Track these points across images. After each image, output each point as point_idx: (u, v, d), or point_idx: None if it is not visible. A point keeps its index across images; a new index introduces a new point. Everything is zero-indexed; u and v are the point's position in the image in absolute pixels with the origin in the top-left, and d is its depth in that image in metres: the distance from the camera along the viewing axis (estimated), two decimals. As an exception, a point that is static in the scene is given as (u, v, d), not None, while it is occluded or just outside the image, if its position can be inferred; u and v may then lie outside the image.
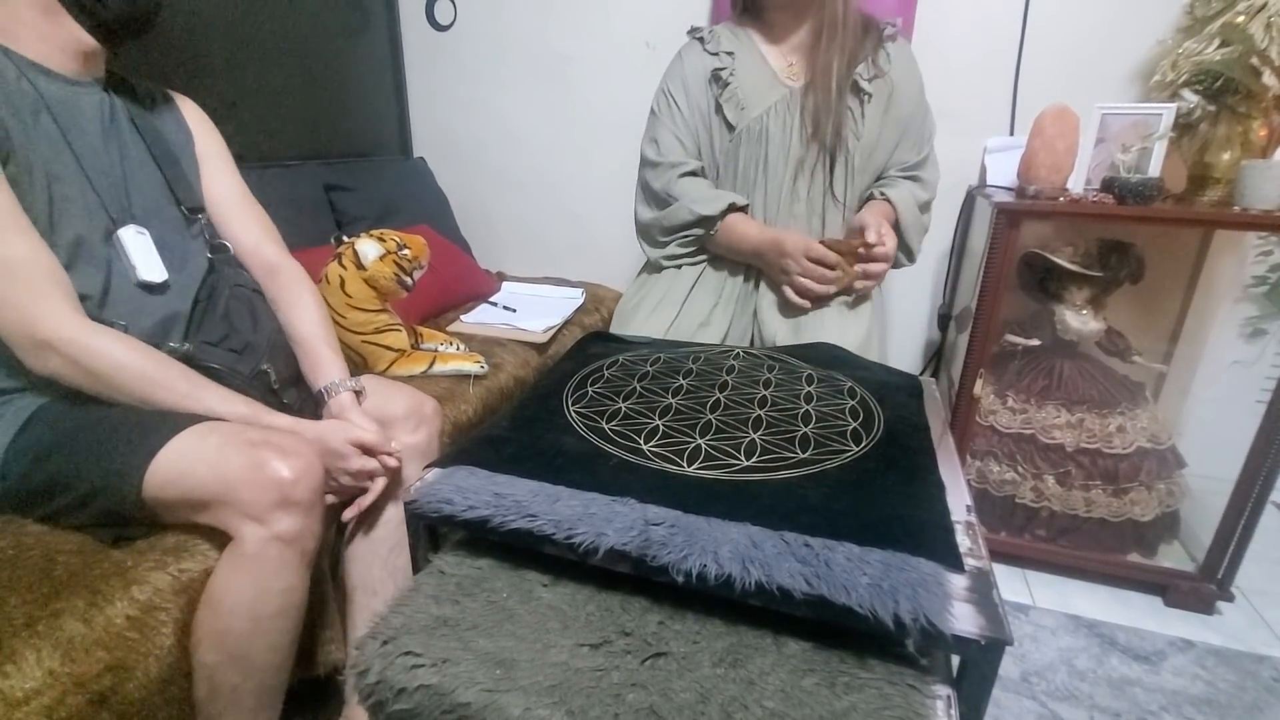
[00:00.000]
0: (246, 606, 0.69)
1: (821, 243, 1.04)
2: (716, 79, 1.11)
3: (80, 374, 0.73)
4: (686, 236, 1.15)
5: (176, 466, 0.70)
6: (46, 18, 0.76)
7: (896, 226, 1.11)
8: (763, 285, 1.15)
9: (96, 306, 0.77)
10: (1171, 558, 1.36)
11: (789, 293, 1.09)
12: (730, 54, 1.11)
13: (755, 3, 1.14)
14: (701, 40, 1.15)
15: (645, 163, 1.19)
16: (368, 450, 0.86)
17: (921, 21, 1.48)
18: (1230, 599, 1.28)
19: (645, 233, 1.22)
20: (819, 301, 1.09)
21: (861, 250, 1.04)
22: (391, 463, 0.88)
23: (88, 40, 0.79)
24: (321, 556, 0.85)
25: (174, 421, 0.73)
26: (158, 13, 0.84)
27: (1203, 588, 1.28)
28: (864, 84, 1.06)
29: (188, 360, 0.81)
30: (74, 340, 0.71)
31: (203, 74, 1.43)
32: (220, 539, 0.74)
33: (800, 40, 1.11)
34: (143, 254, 0.82)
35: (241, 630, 0.69)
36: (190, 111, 0.97)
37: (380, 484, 0.88)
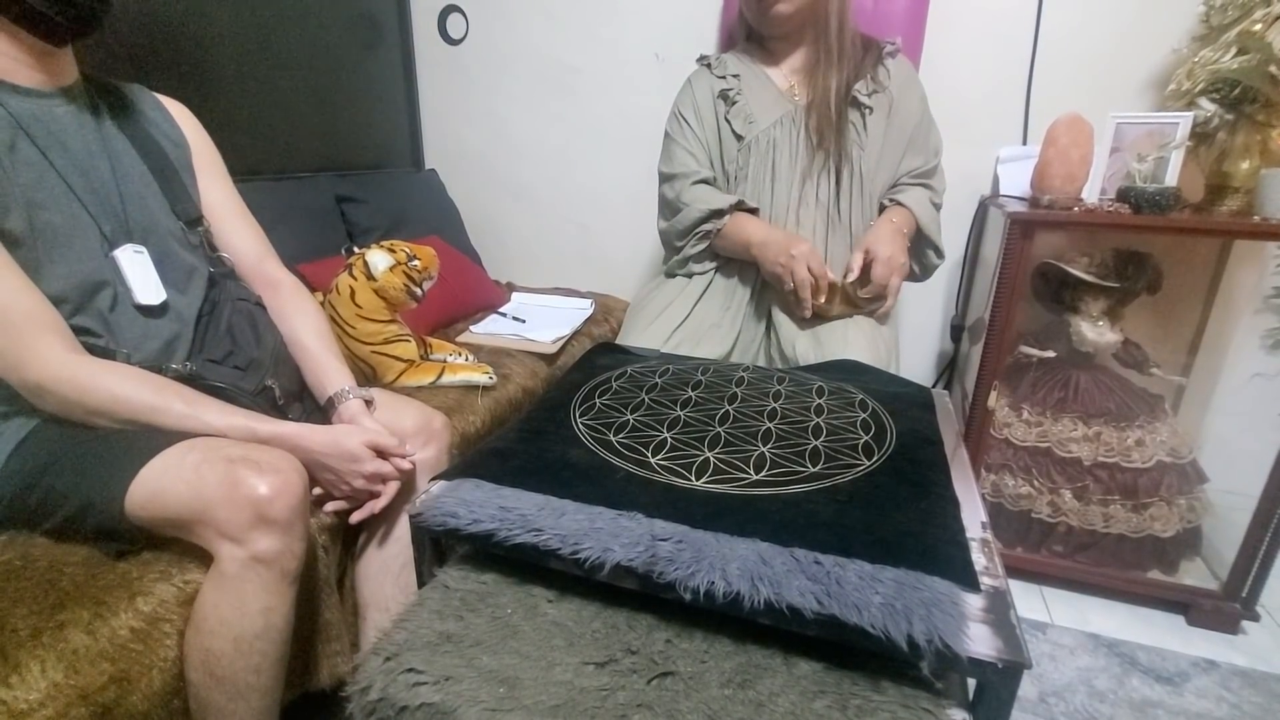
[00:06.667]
0: (227, 627, 0.68)
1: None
2: (724, 97, 1.19)
3: (78, 411, 0.73)
4: (698, 233, 1.20)
5: (156, 484, 0.69)
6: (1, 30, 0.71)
7: (917, 228, 1.17)
8: (775, 298, 1.17)
9: (101, 338, 0.76)
10: (1194, 575, 1.32)
11: (785, 285, 1.10)
12: (736, 76, 1.20)
13: (756, 32, 1.21)
14: (709, 66, 1.24)
15: (661, 178, 1.27)
16: (381, 453, 0.84)
17: (932, 31, 1.48)
18: (1255, 618, 1.25)
19: (664, 241, 1.28)
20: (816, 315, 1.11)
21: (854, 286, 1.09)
22: (405, 465, 0.87)
23: (40, 44, 0.73)
24: (326, 568, 0.85)
25: (158, 439, 0.72)
26: (103, 11, 0.75)
27: (1226, 606, 1.24)
28: (863, 99, 1.13)
29: (191, 380, 0.79)
30: (66, 381, 0.71)
31: (216, 86, 1.45)
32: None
33: (799, 63, 1.19)
34: (140, 275, 0.79)
35: (223, 651, 0.68)
36: (183, 118, 0.93)
37: (393, 488, 0.86)
